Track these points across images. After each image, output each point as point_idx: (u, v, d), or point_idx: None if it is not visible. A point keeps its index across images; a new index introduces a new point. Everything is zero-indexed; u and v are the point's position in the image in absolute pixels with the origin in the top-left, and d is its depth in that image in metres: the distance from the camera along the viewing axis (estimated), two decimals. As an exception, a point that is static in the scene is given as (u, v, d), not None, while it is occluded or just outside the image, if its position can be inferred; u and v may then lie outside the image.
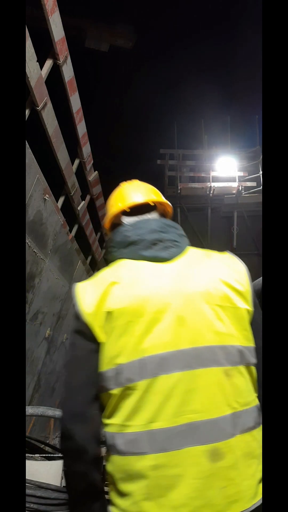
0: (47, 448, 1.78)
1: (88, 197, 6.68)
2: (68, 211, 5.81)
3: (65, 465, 1.04)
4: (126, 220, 1.29)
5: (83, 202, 6.30)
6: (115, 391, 0.98)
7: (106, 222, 1.37)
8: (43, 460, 1.58)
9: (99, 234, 8.39)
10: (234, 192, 15.11)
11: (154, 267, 1.10)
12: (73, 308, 1.08)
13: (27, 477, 1.33)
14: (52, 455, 1.60)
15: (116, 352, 0.99)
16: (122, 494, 0.94)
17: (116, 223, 1.32)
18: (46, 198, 3.77)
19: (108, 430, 1.00)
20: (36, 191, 3.52)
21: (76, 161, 5.60)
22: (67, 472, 1.04)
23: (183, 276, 1.07)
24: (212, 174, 15.16)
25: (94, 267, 8.63)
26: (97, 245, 8.13)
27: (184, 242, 1.19)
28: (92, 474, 1.00)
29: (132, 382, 0.96)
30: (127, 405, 0.96)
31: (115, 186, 1.45)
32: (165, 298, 1.01)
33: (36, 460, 1.56)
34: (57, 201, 5.04)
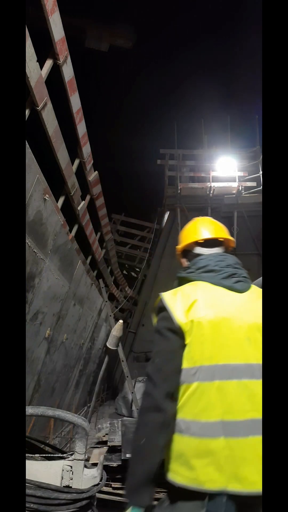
0: (47, 448, 1.78)
1: (88, 197, 6.68)
2: (68, 211, 5.81)
3: (146, 437, 1.25)
4: (199, 249, 1.65)
5: (83, 202, 6.30)
6: (193, 385, 1.27)
7: (180, 247, 1.73)
8: (43, 460, 1.58)
9: (99, 234, 8.38)
10: (234, 192, 15.11)
11: (230, 295, 1.42)
12: (160, 310, 1.40)
13: (27, 477, 1.33)
14: (52, 455, 1.60)
15: (198, 355, 1.29)
16: (192, 467, 1.21)
17: (188, 250, 1.70)
18: (46, 198, 3.77)
19: (181, 416, 1.27)
20: (36, 191, 3.52)
21: (76, 161, 5.59)
22: (145, 446, 1.24)
23: (249, 308, 1.38)
24: (212, 174, 15.15)
25: (94, 267, 8.63)
26: (97, 245, 8.13)
27: (249, 279, 1.51)
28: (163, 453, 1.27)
29: (210, 381, 1.26)
30: (204, 398, 1.25)
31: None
32: (237, 322, 1.33)
33: (36, 460, 1.56)
34: (57, 201, 5.04)
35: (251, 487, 1.15)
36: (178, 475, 1.23)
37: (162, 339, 1.33)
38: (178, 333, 1.31)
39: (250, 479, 1.16)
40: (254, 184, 15.30)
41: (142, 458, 1.24)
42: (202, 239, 1.65)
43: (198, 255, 1.60)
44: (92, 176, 6.38)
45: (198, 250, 1.64)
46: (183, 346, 1.31)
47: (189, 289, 1.42)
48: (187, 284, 1.46)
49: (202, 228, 1.69)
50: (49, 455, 1.60)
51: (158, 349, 1.34)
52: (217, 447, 1.18)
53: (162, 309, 1.37)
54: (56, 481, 1.46)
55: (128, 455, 3.13)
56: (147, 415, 1.26)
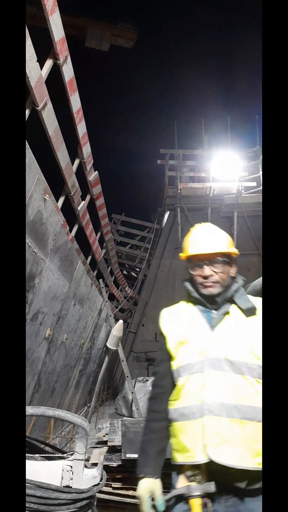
0: (47, 448, 1.78)
1: (88, 197, 6.68)
2: (68, 211, 5.81)
3: None
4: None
5: (83, 202, 6.30)
6: None
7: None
8: (43, 460, 1.58)
9: (99, 234, 8.38)
10: (234, 192, 15.10)
11: None
12: None
13: (27, 477, 1.33)
14: (52, 455, 1.60)
15: None
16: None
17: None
18: (46, 198, 3.77)
19: None
20: (36, 191, 3.52)
21: (76, 161, 5.59)
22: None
23: None
24: (212, 174, 15.14)
25: (94, 267, 8.63)
26: (97, 245, 8.13)
27: None
28: None
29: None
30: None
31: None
32: None
33: (36, 460, 1.56)
34: (57, 201, 5.04)
35: None
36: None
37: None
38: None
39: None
40: (254, 184, 15.28)
41: None
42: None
43: None
44: (92, 176, 6.38)
45: None
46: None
47: None
48: None
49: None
50: (49, 455, 1.60)
51: None
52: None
53: None
54: (56, 481, 1.46)
55: (128, 455, 3.13)
56: None
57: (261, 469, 1.20)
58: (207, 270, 1.47)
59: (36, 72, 3.46)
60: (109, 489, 3.12)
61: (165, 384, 1.50)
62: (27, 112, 3.68)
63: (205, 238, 1.53)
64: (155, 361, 1.63)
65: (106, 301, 8.50)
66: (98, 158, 6.29)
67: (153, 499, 1.36)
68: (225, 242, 1.53)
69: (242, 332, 1.40)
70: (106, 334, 9.54)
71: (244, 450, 1.25)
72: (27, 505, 1.30)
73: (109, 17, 14.84)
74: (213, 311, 1.48)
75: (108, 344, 2.08)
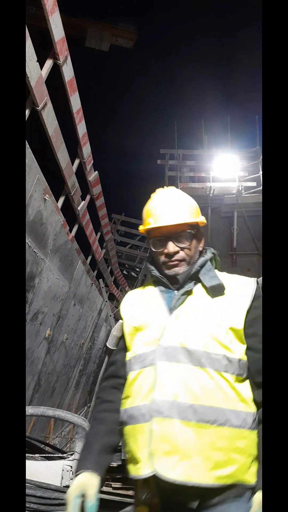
0: (47, 448, 1.78)
1: (88, 197, 6.69)
2: (68, 211, 5.82)
3: None
4: None
5: (83, 202, 6.31)
6: None
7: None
8: (43, 460, 1.58)
9: (99, 234, 8.39)
10: (234, 192, 15.11)
11: None
12: None
13: (27, 477, 1.33)
14: (52, 455, 1.60)
15: None
16: None
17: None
18: (46, 198, 3.77)
19: None
20: (36, 191, 3.52)
21: (76, 161, 5.60)
22: None
23: None
24: (212, 174, 15.16)
25: (94, 267, 8.64)
26: (97, 245, 8.13)
27: None
28: None
29: None
30: None
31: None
32: None
33: (36, 460, 1.56)
34: (57, 201, 5.05)
35: None
36: None
37: None
38: None
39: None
40: (254, 184, 15.30)
41: None
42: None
43: None
44: (92, 176, 6.39)
45: None
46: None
47: None
48: None
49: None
50: (49, 455, 1.61)
51: None
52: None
53: None
54: (56, 481, 1.46)
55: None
56: None
57: (220, 485, 0.98)
58: (171, 246, 1.21)
59: (36, 72, 3.46)
60: (109, 489, 3.12)
61: (125, 375, 1.22)
62: (27, 112, 3.68)
63: (168, 207, 1.24)
64: (114, 349, 1.37)
65: (106, 301, 8.51)
66: (98, 158, 6.30)
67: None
68: (192, 211, 1.27)
69: (205, 315, 1.13)
70: (106, 334, 9.55)
71: (199, 461, 0.98)
72: (27, 505, 1.30)
73: (109, 17, 14.83)
74: (175, 291, 1.22)
75: (108, 344, 2.08)
